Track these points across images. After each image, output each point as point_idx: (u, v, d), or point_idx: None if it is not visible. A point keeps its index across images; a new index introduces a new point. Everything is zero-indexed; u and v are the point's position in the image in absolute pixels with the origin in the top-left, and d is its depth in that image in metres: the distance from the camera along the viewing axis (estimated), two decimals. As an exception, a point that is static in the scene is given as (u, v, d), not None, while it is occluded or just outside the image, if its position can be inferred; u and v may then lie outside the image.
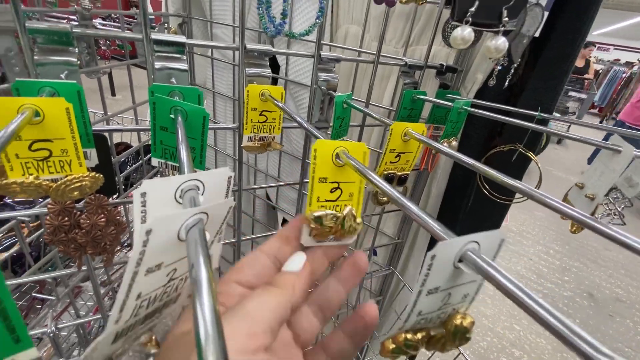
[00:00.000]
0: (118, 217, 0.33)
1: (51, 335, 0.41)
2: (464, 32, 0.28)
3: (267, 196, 0.94)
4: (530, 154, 0.44)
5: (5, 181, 0.22)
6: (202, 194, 0.18)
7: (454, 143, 0.44)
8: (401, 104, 0.47)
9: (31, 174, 0.23)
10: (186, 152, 0.20)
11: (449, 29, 0.42)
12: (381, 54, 0.45)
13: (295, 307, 0.21)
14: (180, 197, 0.17)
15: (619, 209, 0.41)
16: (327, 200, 0.21)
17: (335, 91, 0.42)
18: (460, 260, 0.13)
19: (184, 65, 0.32)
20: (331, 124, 0.43)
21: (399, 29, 0.60)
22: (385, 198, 0.32)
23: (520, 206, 3.18)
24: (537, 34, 0.35)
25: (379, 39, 0.43)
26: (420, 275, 0.13)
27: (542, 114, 0.40)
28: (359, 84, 0.66)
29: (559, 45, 0.40)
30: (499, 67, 0.39)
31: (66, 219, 0.30)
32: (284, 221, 1.11)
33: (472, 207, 0.56)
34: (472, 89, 0.53)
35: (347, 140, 0.27)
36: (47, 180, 0.23)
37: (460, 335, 0.14)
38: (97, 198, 0.31)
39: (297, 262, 0.22)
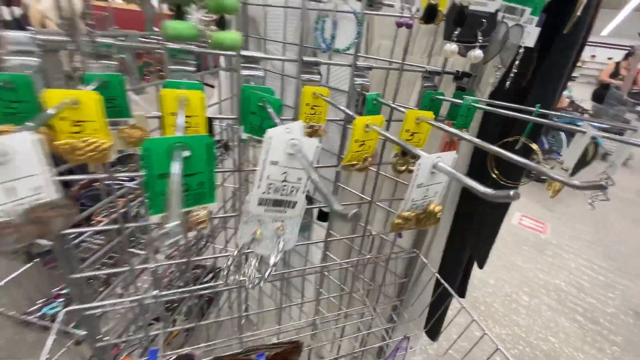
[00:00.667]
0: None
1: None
2: (451, 47, 0.39)
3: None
4: (531, 144, 0.53)
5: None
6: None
7: (466, 135, 0.54)
8: (422, 103, 0.58)
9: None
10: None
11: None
12: (408, 63, 0.57)
13: None
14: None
15: None
16: (356, 151, 0.32)
17: (367, 92, 0.54)
18: (434, 167, 0.24)
19: (260, 73, 0.46)
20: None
21: (424, 43, 0.72)
22: (403, 167, 0.42)
23: (561, 219, 3.06)
24: (530, 45, 0.45)
25: (403, 50, 0.55)
26: (413, 176, 0.24)
27: (541, 110, 0.49)
28: (389, 88, 0.78)
29: (554, 53, 0.49)
30: (498, 73, 0.49)
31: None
32: (320, 212, 1.24)
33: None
34: (485, 91, 0.63)
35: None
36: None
37: (434, 217, 0.25)
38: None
39: None
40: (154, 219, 0.23)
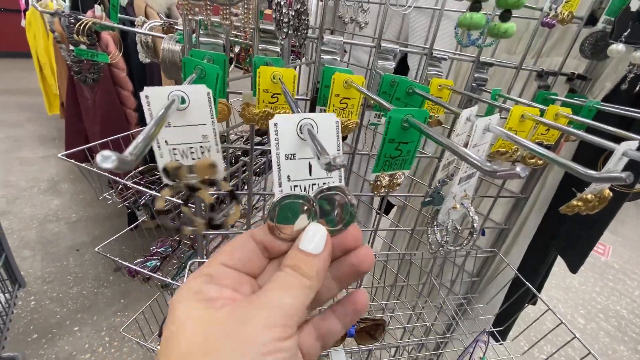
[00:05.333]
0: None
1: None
2: (619, 47, 0.40)
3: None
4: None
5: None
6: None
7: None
8: (535, 102, 0.59)
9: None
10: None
11: (587, 44, 0.53)
12: (509, 62, 0.58)
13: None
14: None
15: None
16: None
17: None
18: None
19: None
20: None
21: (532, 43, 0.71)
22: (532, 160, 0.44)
23: (625, 243, 2.82)
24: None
25: (523, 52, 0.56)
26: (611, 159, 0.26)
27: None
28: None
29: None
30: (632, 75, 0.49)
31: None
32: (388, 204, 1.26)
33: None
34: (599, 95, 0.62)
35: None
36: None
37: (605, 201, 0.27)
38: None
39: (317, 240, 0.20)
40: (372, 177, 0.27)
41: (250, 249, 0.21)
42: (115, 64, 1.41)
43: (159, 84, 1.56)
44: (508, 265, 0.81)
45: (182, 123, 0.23)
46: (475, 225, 0.30)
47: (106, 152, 0.11)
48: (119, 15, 0.62)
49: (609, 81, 0.60)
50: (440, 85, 0.51)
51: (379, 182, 0.30)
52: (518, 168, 0.18)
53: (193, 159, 0.24)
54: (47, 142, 3.08)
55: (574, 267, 0.71)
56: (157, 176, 0.97)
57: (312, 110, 0.48)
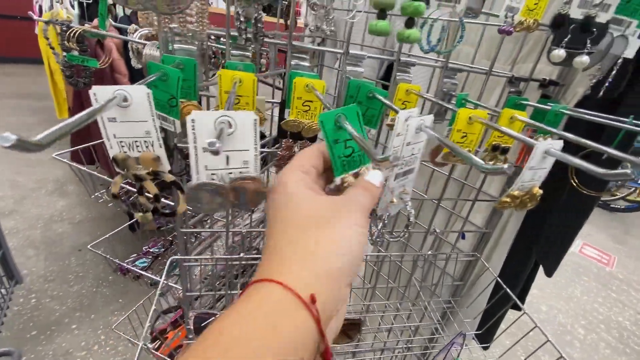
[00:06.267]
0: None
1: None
2: (560, 52, 0.42)
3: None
4: (620, 155, 0.53)
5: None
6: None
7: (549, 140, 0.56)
8: (505, 107, 0.60)
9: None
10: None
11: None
12: (480, 68, 0.60)
13: None
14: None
15: None
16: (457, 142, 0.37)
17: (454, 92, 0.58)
18: (545, 152, 0.28)
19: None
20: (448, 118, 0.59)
21: (508, 50, 0.73)
22: (492, 162, 0.46)
23: (631, 254, 2.76)
24: (630, 56, 0.45)
25: (492, 58, 0.58)
26: (529, 159, 0.28)
27: (635, 121, 0.50)
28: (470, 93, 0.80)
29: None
30: (594, 81, 0.50)
31: (287, 152, 0.52)
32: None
33: (566, 201, 0.65)
34: (572, 100, 0.63)
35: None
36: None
37: (535, 199, 0.28)
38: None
39: (377, 177, 0.28)
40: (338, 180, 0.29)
41: (321, 161, 0.29)
42: (118, 70, 1.47)
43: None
44: (488, 270, 0.81)
45: (127, 119, 0.25)
46: (411, 219, 0.32)
47: (6, 134, 0.13)
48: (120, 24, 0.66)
49: (581, 87, 0.62)
50: (407, 90, 0.53)
51: (345, 184, 0.30)
52: (505, 165, 0.23)
53: (139, 151, 0.26)
54: (56, 144, 3.16)
55: (549, 272, 0.71)
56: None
57: (282, 112, 0.50)
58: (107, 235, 1.00)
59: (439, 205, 0.78)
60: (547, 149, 0.27)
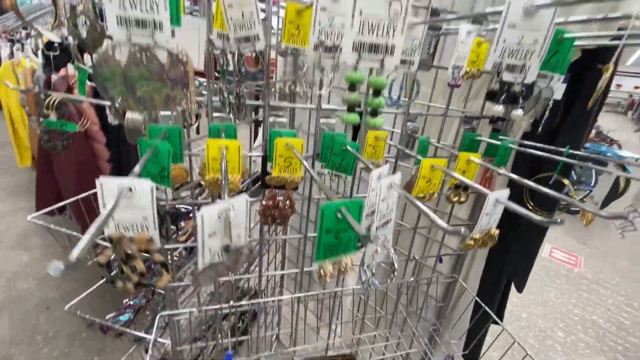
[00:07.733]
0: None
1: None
2: (498, 108, 0.50)
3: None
4: (563, 179, 0.61)
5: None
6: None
7: (502, 170, 0.63)
8: (462, 143, 0.67)
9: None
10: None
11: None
12: (437, 110, 0.67)
13: None
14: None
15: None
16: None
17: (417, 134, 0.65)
18: (497, 200, 0.33)
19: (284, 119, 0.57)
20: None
21: (460, 90, 0.82)
22: (455, 198, 0.51)
23: (596, 253, 2.96)
24: (558, 98, 0.54)
25: (447, 99, 0.65)
26: (484, 207, 0.33)
27: (571, 151, 0.58)
28: (427, 130, 0.88)
29: (577, 106, 0.58)
30: (531, 120, 0.59)
31: (271, 202, 0.55)
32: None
33: (525, 223, 0.72)
34: (518, 133, 0.72)
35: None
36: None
37: (493, 239, 0.33)
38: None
39: None
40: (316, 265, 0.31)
41: None
42: (89, 119, 1.46)
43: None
44: (467, 290, 0.86)
45: (129, 205, 0.28)
46: (395, 265, 0.35)
47: (55, 264, 0.16)
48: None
49: (525, 121, 0.70)
50: (376, 137, 0.59)
51: (322, 272, 0.31)
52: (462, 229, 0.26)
53: (134, 231, 0.28)
54: (16, 195, 3.00)
55: (519, 287, 0.77)
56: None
57: (264, 166, 0.54)
58: (84, 294, 0.96)
59: (415, 232, 0.83)
60: (497, 198, 0.32)
